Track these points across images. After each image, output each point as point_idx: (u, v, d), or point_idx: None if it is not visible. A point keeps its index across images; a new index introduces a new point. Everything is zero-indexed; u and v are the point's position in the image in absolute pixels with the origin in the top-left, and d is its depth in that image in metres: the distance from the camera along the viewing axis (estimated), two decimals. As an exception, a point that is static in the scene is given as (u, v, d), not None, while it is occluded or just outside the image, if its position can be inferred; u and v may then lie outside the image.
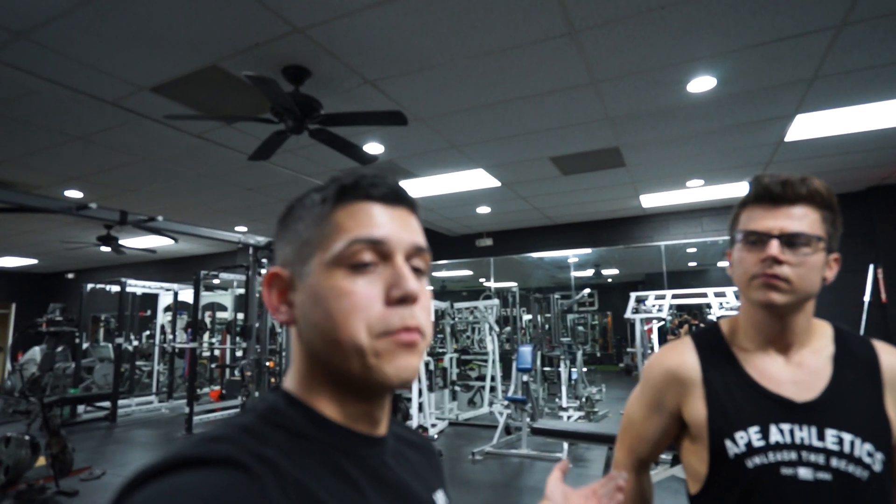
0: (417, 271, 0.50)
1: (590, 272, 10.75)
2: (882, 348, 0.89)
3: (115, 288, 7.84)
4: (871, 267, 5.30)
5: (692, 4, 2.31)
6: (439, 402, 6.89)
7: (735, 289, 4.91)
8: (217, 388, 8.32)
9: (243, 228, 6.88)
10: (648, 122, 3.64)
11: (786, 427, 0.83)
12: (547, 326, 8.61)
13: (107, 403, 7.08)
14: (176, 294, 8.63)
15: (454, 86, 3.04)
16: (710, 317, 5.72)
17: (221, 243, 7.80)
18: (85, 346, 7.86)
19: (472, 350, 8.35)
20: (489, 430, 5.99)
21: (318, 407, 0.49)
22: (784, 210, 0.84)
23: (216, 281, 8.99)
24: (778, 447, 0.82)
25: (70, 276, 10.94)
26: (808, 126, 3.75)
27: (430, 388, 6.18)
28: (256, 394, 4.97)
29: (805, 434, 0.82)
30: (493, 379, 7.15)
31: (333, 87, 3.02)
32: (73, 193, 5.14)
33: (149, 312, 9.53)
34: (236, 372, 7.84)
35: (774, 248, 0.82)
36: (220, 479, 0.38)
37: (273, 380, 5.17)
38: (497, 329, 7.33)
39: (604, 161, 4.46)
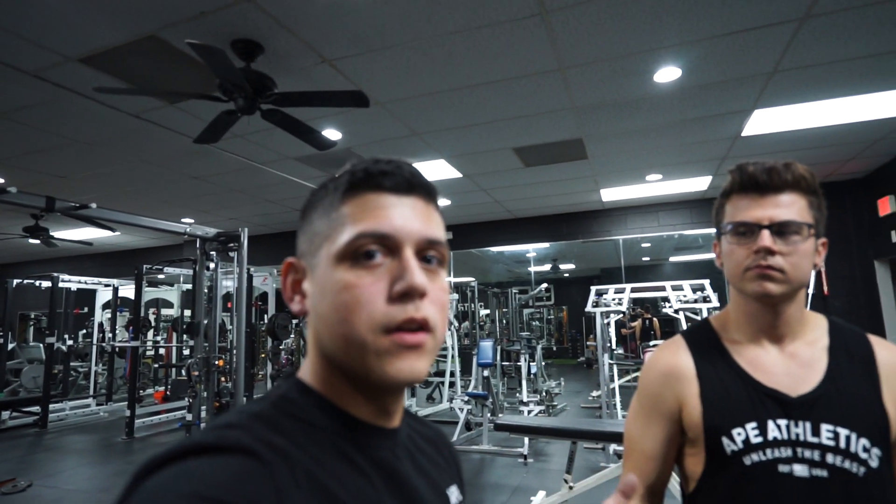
0: (432, 261, 0.49)
1: (547, 267, 10.86)
2: (877, 342, 0.87)
3: (47, 283, 7.25)
4: (815, 260, 5.54)
5: (664, -12, 2.26)
6: (398, 398, 6.74)
7: (692, 282, 5.01)
8: (161, 388, 7.86)
9: (190, 220, 6.49)
10: (613, 113, 3.62)
11: (782, 423, 0.80)
12: (505, 321, 8.61)
13: (36, 408, 6.54)
14: (116, 290, 8.08)
15: (418, 68, 2.90)
16: (664, 310, 5.83)
17: (166, 235, 7.35)
18: (11, 346, 7.25)
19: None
20: (449, 427, 5.90)
21: (329, 397, 0.49)
22: (771, 198, 0.82)
23: (161, 276, 8.48)
24: (775, 443, 0.79)
25: (-5, 270, 10.09)
26: (763, 121, 3.83)
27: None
28: (204, 394, 4.68)
29: (800, 430, 0.79)
30: (452, 374, 7.07)
31: (288, 66, 2.82)
32: (-6, 179, 4.67)
33: (85, 309, 8.92)
34: (183, 371, 7.43)
35: (766, 238, 0.80)
36: (231, 466, 0.38)
37: (223, 379, 4.88)
38: (456, 324, 7.25)
39: (567, 153, 4.42)
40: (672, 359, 0.90)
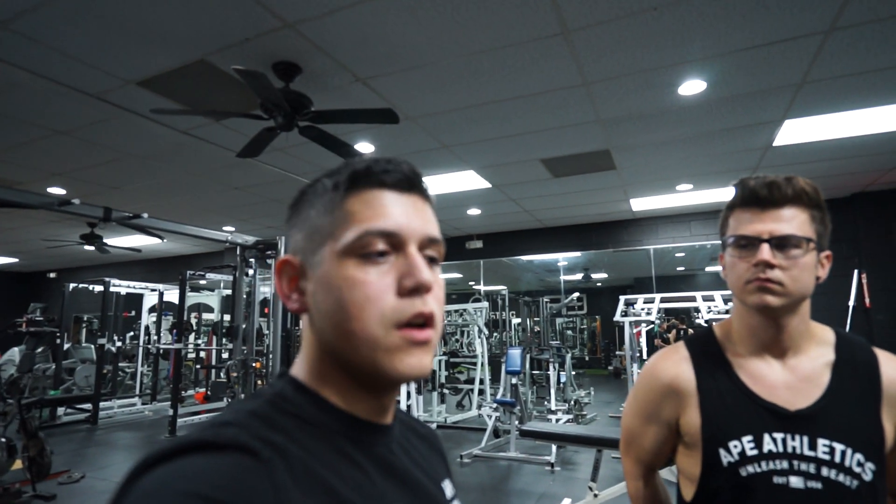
0: (431, 260, 0.50)
1: (579, 276, 10.79)
2: (884, 358, 0.88)
3: (99, 288, 7.71)
4: (856, 272, 5.37)
5: (684, 6, 2.32)
6: (428, 404, 6.85)
7: (723, 292, 4.95)
8: (202, 390, 8.20)
9: (231, 228, 6.80)
10: (639, 125, 3.66)
11: (779, 436, 0.83)
12: (536, 329, 8.62)
13: (88, 405, 6.94)
14: (161, 294, 8.51)
15: (446, 85, 3.03)
16: (698, 321, 5.74)
17: (208, 243, 7.71)
18: (66, 346, 7.71)
19: (461, 353, 8.33)
20: (478, 433, 5.97)
21: (325, 394, 0.49)
22: (772, 213, 0.84)
23: (203, 281, 8.88)
24: (771, 456, 0.82)
25: (52, 275, 10.75)
26: (796, 131, 3.79)
27: (419, 391, 6.14)
28: (242, 395, 4.90)
29: (797, 443, 0.82)
30: (481, 382, 7.13)
31: (324, 84, 2.99)
32: (56, 190, 5.04)
33: (133, 313, 9.38)
34: (222, 373, 7.75)
35: (766, 252, 0.82)
36: (229, 464, 0.38)
37: (260, 382, 5.09)
38: (486, 332, 7.31)
39: (594, 163, 4.47)
40: (674, 370, 0.93)
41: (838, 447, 0.80)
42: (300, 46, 2.62)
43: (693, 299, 5.12)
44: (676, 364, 0.94)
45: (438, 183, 4.94)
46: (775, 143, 4.02)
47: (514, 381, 5.48)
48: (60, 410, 6.99)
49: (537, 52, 2.68)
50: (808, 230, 0.84)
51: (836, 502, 0.79)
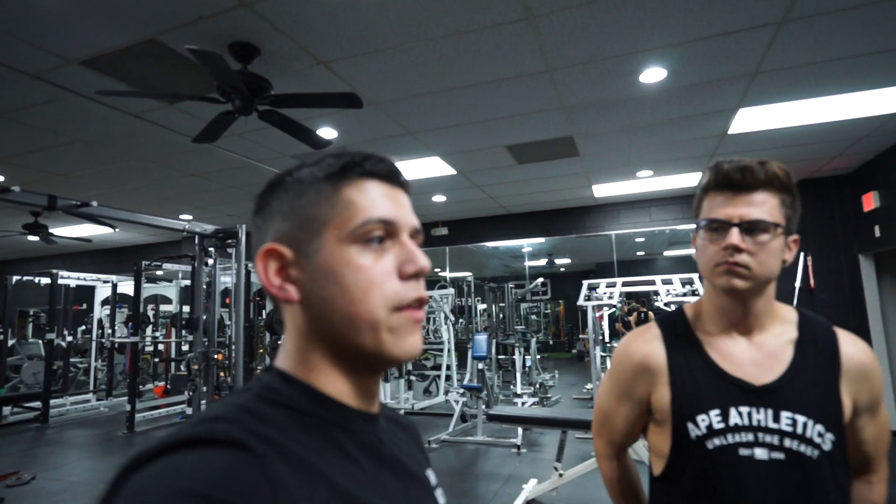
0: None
1: (543, 261, 10.96)
2: (843, 336, 0.92)
3: (46, 280, 7.32)
4: (802, 255, 5.65)
5: (646, -6, 2.34)
6: (395, 391, 6.85)
7: (682, 276, 5.11)
8: (161, 383, 7.95)
9: (188, 216, 6.56)
10: (602, 112, 3.70)
11: (744, 410, 0.86)
12: (501, 315, 8.71)
13: (37, 403, 6.62)
14: (115, 286, 8.15)
15: (410, 69, 2.98)
16: (657, 304, 5.92)
17: (165, 232, 7.43)
18: (11, 342, 7.32)
19: (428, 339, 8.34)
20: (445, 419, 6.02)
21: (315, 384, 0.49)
22: (744, 197, 0.86)
23: (160, 272, 8.55)
24: (737, 429, 0.85)
25: (-7, 267, 10.13)
26: (749, 120, 3.92)
27: (386, 378, 6.13)
28: (204, 388, 4.77)
29: (762, 416, 0.85)
30: (448, 368, 7.18)
31: (284, 67, 2.89)
32: (-5, 177, 4.73)
33: (84, 306, 8.98)
34: (182, 366, 7.52)
35: (735, 237, 0.85)
36: (222, 459, 0.37)
37: (222, 374, 4.97)
38: (452, 318, 7.35)
39: (558, 150, 4.51)
40: (646, 348, 0.96)
41: (800, 419, 0.84)
42: (257, 27, 2.52)
43: (653, 283, 5.27)
44: (648, 342, 0.97)
45: (404, 170, 4.85)
46: (730, 132, 4.15)
47: (480, 366, 5.54)
48: (6, 410, 6.65)
49: (502, 38, 2.67)
50: (778, 215, 0.86)
51: (798, 471, 0.83)
